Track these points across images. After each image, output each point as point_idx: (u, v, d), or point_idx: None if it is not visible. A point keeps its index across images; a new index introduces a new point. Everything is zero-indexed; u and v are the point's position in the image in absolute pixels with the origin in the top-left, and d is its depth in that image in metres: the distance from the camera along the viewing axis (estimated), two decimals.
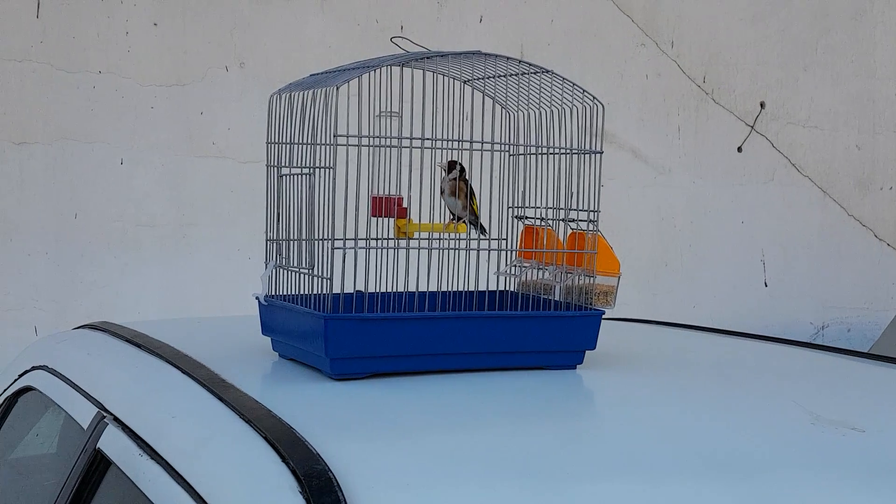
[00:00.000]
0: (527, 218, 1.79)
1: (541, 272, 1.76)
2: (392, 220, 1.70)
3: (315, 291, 1.59)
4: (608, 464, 1.24)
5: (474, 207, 1.80)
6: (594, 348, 1.67)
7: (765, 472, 1.21)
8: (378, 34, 4.10)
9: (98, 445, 1.50)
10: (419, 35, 3.92)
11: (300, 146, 1.65)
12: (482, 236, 1.78)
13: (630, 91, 4.58)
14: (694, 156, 4.73)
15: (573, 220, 1.72)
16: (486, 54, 1.66)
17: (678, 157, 4.70)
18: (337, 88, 1.54)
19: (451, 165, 1.75)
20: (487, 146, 1.70)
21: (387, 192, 1.66)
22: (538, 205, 1.76)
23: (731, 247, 4.79)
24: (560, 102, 1.70)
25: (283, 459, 1.17)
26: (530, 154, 1.76)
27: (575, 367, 1.66)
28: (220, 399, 1.40)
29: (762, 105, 4.81)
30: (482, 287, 1.76)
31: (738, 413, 1.47)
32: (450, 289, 1.71)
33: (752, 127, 4.80)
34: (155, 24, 3.88)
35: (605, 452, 1.30)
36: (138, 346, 1.79)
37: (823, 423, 1.38)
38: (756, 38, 4.79)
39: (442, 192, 1.78)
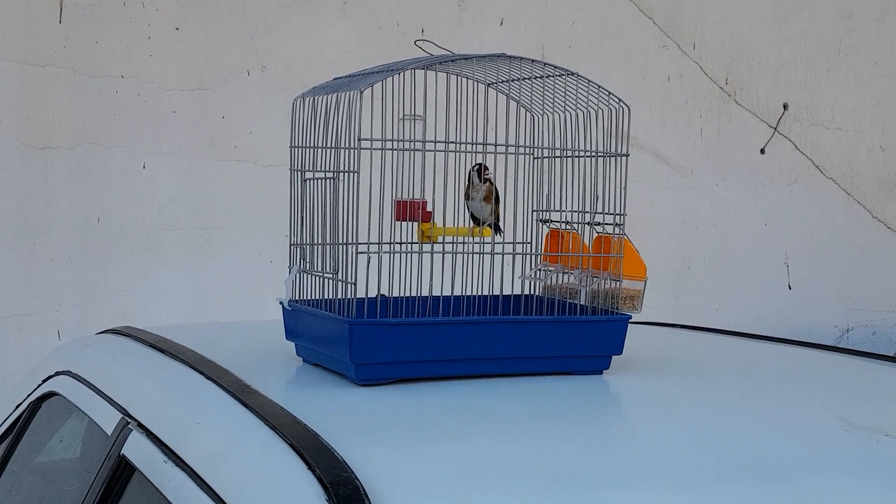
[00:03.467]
0: (552, 221, 1.78)
1: (566, 276, 1.74)
2: (416, 224, 1.69)
3: (339, 296, 1.58)
4: (638, 470, 1.23)
5: (498, 210, 1.79)
6: (621, 353, 1.65)
7: (801, 480, 1.19)
8: (399, 37, 4.10)
9: (122, 452, 1.50)
10: (440, 38, 3.91)
11: (324, 150, 1.64)
12: (497, 237, 1.77)
13: (652, 93, 4.55)
14: (716, 158, 4.70)
15: (599, 224, 1.70)
16: (510, 57, 1.65)
17: (701, 159, 4.67)
18: (361, 92, 1.53)
19: (480, 171, 1.73)
20: (512, 149, 1.69)
21: (411, 196, 1.65)
22: (563, 208, 1.74)
23: (754, 249, 4.76)
24: (585, 105, 1.69)
25: (310, 467, 1.17)
26: (555, 157, 1.74)
27: (601, 373, 1.64)
28: (245, 405, 1.39)
29: (785, 106, 4.78)
30: (507, 291, 1.75)
31: (768, 418, 1.46)
32: (475, 293, 1.70)
33: (775, 129, 4.77)
34: (177, 29, 3.88)
35: (634, 458, 1.28)
36: (162, 351, 1.78)
37: (856, 429, 1.36)
38: (779, 40, 4.76)
39: (469, 198, 1.77)
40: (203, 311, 3.88)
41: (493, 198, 1.76)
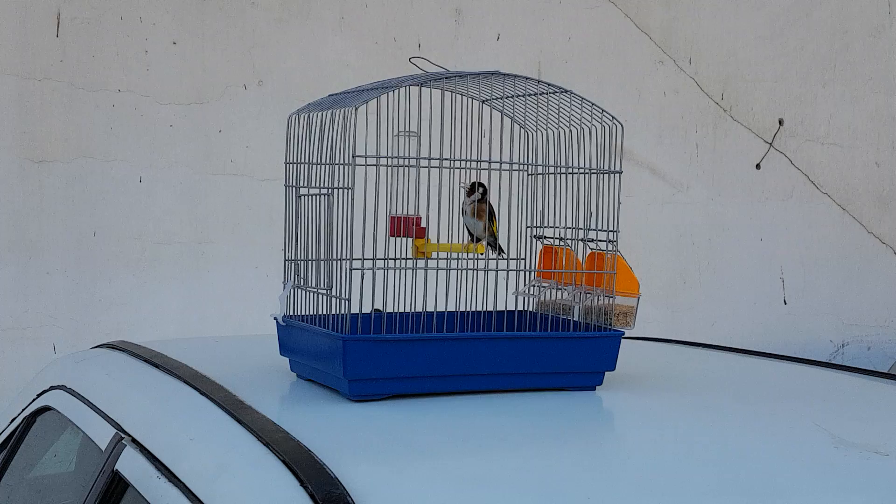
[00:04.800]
0: (545, 238, 1.78)
1: (560, 292, 1.75)
2: (410, 240, 1.69)
3: (333, 312, 1.58)
4: (630, 487, 1.23)
5: (493, 229, 1.80)
6: (614, 369, 1.65)
7: (789, 497, 1.19)
8: (396, 52, 4.11)
9: (116, 467, 1.50)
10: (436, 53, 3.92)
11: (319, 166, 1.65)
12: (500, 257, 1.77)
13: (648, 108, 4.57)
14: (712, 173, 4.71)
15: (592, 240, 1.71)
16: (504, 74, 1.66)
17: (696, 175, 4.69)
18: (356, 109, 1.54)
19: (473, 188, 1.74)
20: (506, 166, 1.70)
21: (405, 213, 1.65)
22: (557, 225, 1.75)
23: (749, 264, 4.77)
24: (579, 122, 1.70)
25: (302, 483, 1.17)
26: (549, 174, 1.75)
27: (594, 389, 1.65)
28: (239, 421, 1.39)
29: (781, 122, 4.80)
30: (501, 307, 1.76)
31: (760, 435, 1.46)
32: (468, 309, 1.71)
33: (770, 144, 4.78)
34: (174, 43, 3.89)
35: (626, 475, 1.28)
36: (156, 366, 1.78)
37: (846, 447, 1.36)
38: (774, 55, 4.78)
39: (463, 213, 1.77)
40: (198, 325, 3.88)
41: (485, 214, 1.76)
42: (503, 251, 1.78)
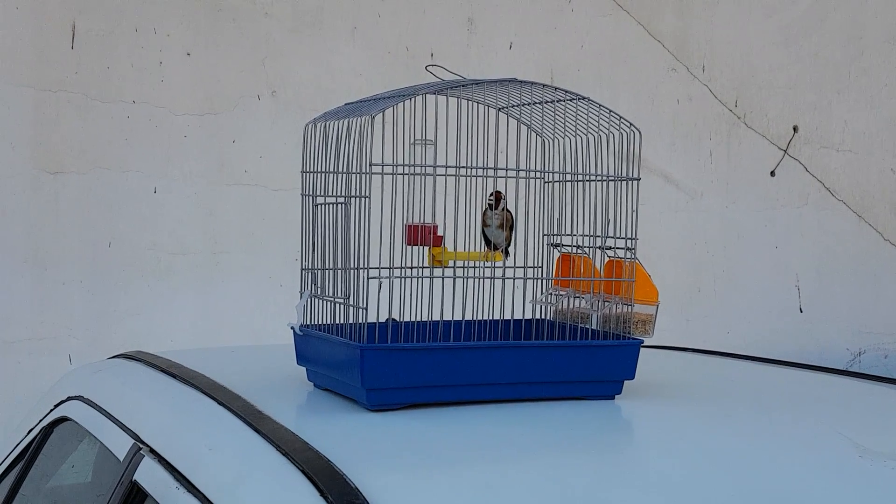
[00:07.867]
0: (563, 246, 1.77)
1: (577, 301, 1.74)
2: (427, 248, 1.69)
3: (350, 321, 1.58)
4: (650, 496, 1.22)
5: (510, 235, 1.79)
6: (633, 378, 1.64)
7: None
8: (408, 62, 4.11)
9: (134, 477, 1.49)
10: (449, 62, 3.92)
11: (335, 175, 1.64)
12: (508, 261, 1.77)
13: (661, 116, 4.56)
14: (727, 180, 4.69)
15: (610, 248, 1.70)
16: (521, 81, 1.65)
17: (711, 182, 4.67)
18: (372, 118, 1.54)
19: (498, 198, 1.74)
20: (522, 174, 1.69)
21: (422, 221, 1.65)
22: (574, 232, 1.74)
23: (765, 272, 4.75)
24: (596, 129, 1.69)
25: (322, 493, 1.16)
26: (566, 181, 1.74)
27: (613, 398, 1.64)
28: (257, 431, 1.39)
29: (795, 129, 4.78)
30: (518, 316, 1.75)
31: (782, 444, 1.45)
32: (486, 318, 1.70)
33: (785, 151, 4.76)
34: (188, 54, 3.90)
35: (646, 485, 1.27)
36: (173, 376, 1.78)
37: (871, 456, 1.35)
38: (788, 62, 4.76)
39: (487, 225, 1.76)
40: (213, 335, 3.88)
41: (508, 224, 1.76)
42: (508, 253, 1.78)
